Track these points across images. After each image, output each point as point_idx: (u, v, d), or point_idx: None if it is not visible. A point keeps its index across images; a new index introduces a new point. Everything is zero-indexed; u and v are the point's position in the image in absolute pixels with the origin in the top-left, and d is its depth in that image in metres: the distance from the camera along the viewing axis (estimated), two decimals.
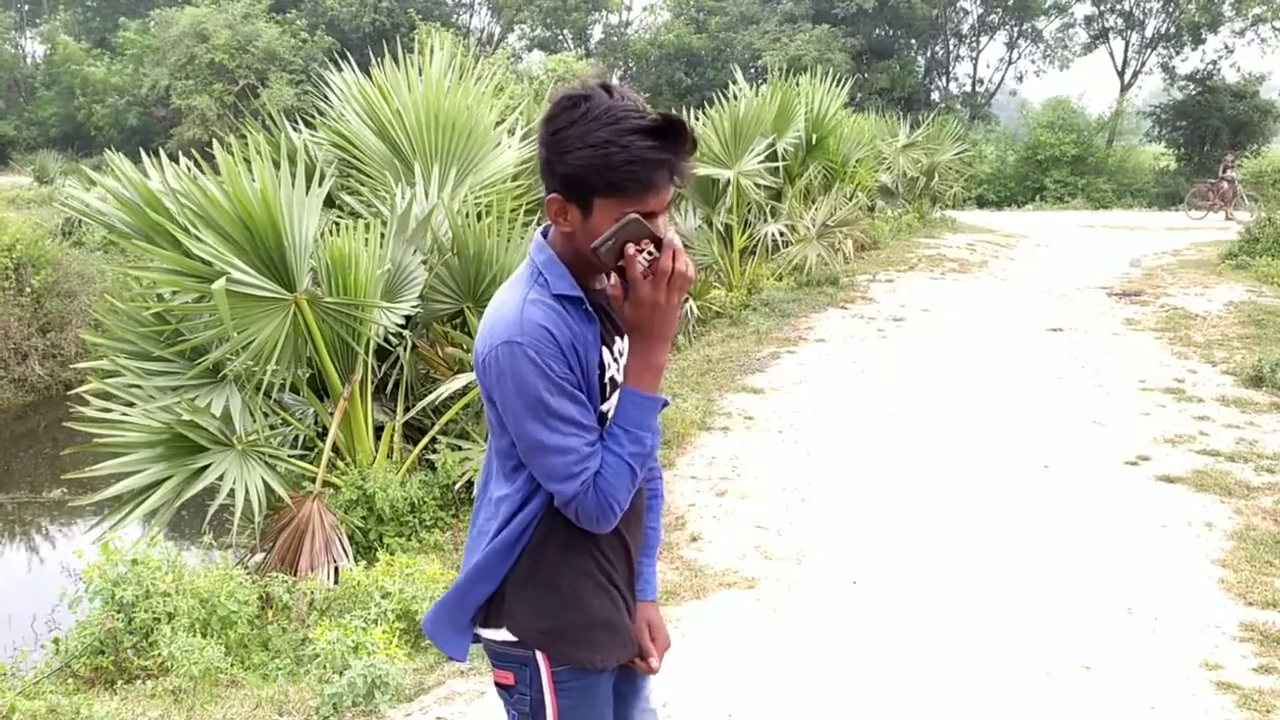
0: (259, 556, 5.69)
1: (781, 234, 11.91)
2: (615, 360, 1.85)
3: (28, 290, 13.99)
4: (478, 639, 1.91)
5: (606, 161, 1.65)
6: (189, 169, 5.80)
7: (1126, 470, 5.99)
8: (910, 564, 4.79)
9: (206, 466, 5.31)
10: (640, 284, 1.72)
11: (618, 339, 1.86)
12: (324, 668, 3.74)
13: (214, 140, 6.44)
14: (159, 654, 3.80)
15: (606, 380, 1.83)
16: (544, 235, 1.84)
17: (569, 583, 1.85)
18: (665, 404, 1.83)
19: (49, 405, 12.95)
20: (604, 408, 1.83)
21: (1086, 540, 5.01)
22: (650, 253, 1.72)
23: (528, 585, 1.84)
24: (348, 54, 8.83)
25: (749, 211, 11.95)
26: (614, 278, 1.83)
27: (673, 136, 1.67)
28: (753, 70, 35.22)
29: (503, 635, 1.86)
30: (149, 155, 5.99)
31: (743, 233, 11.76)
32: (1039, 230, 20.20)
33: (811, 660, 3.94)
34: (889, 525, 5.25)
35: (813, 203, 12.99)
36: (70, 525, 8.42)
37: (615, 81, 1.94)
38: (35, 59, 47.03)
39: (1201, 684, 3.68)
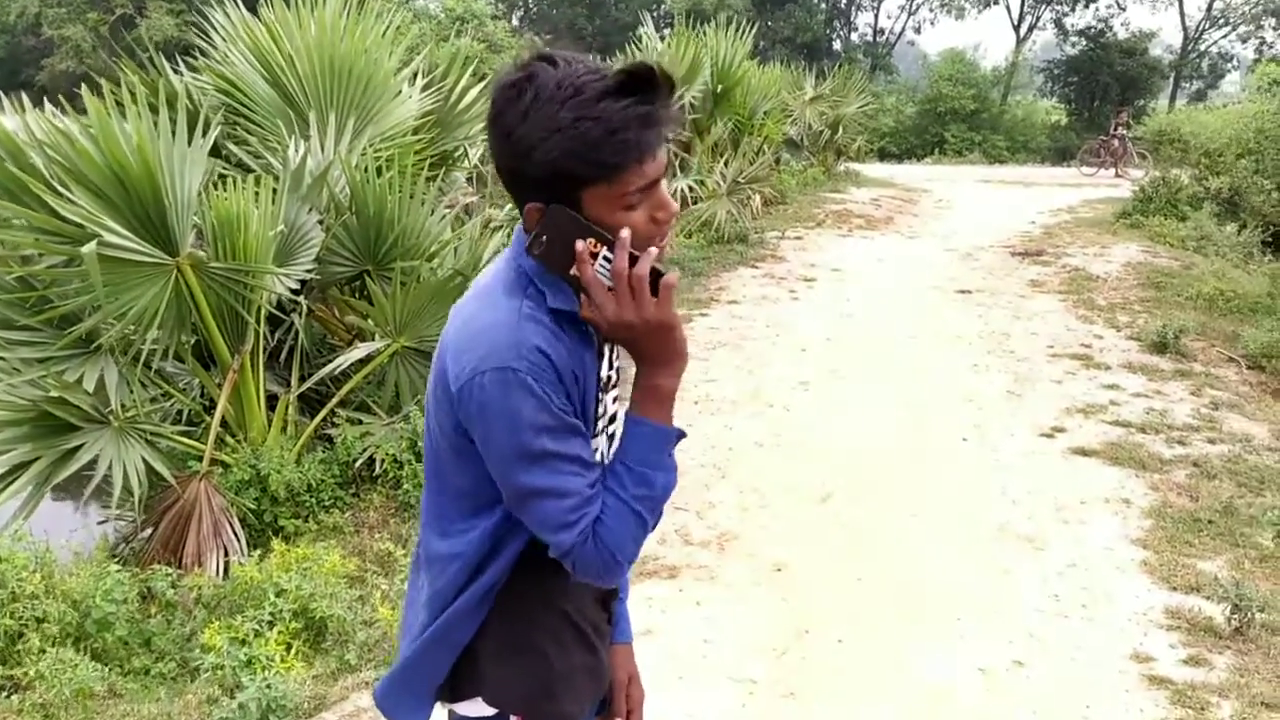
0: (143, 536, 5.28)
1: (691, 189, 11.66)
2: (603, 388, 1.56)
3: None
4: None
5: (584, 141, 1.32)
6: (54, 114, 5.26)
7: (1042, 443, 5.96)
8: (832, 548, 4.66)
9: (79, 447, 4.86)
10: (602, 297, 1.38)
11: (603, 365, 1.56)
12: (213, 685, 3.41)
13: (88, 75, 5.88)
14: (27, 669, 3.42)
15: (603, 410, 1.56)
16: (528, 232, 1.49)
17: (547, 637, 1.59)
18: (680, 436, 1.50)
19: None
20: (594, 444, 1.54)
21: (1008, 520, 4.94)
22: (605, 256, 1.38)
23: (503, 651, 1.57)
24: None
25: None
26: (584, 297, 1.44)
27: (649, 85, 1.34)
28: (655, 14, 34.71)
29: (478, 709, 1.60)
30: (14, 92, 5.41)
31: None
32: (940, 185, 20.36)
33: (737, 658, 3.77)
34: (808, 505, 5.11)
35: (721, 157, 12.76)
36: None
37: (546, 48, 1.51)
38: None
39: (1134, 679, 3.62)
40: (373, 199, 5.94)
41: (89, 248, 4.57)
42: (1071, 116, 36.62)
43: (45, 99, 5.57)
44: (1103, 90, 35.62)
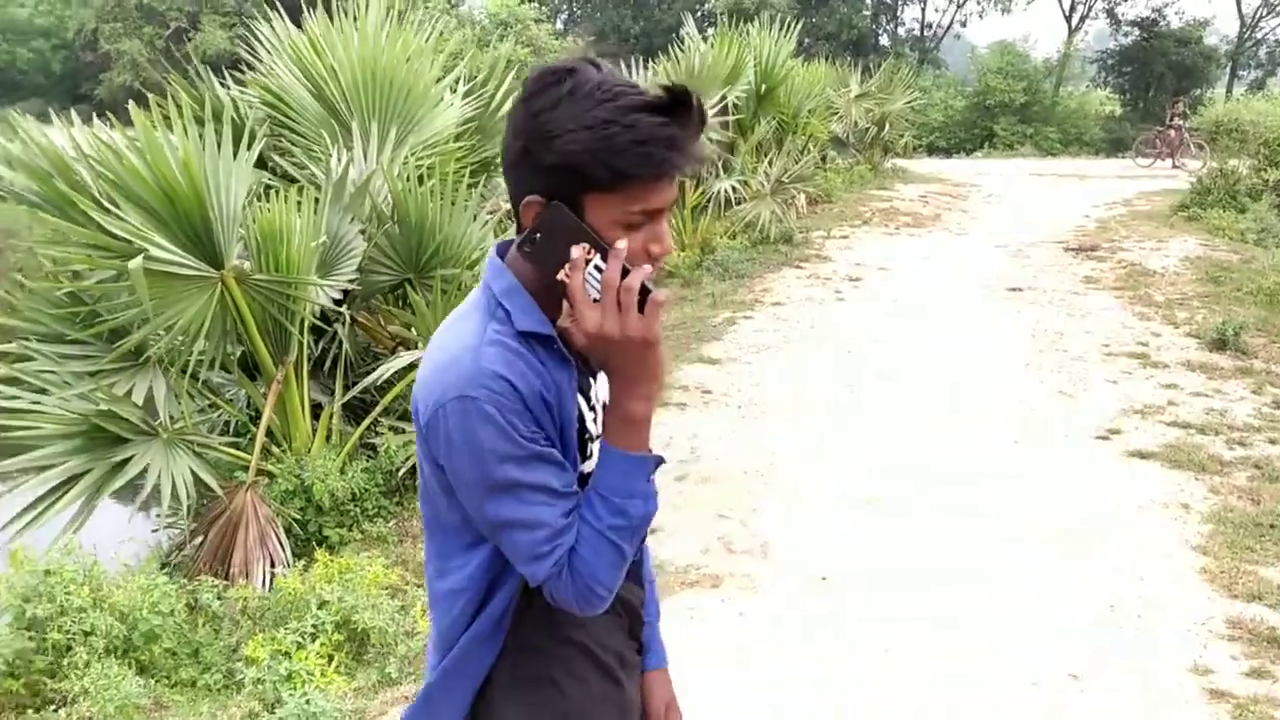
0: (194, 545, 5.33)
1: (734, 190, 11.58)
2: (593, 409, 1.51)
3: None
4: None
5: (610, 144, 1.29)
6: (101, 130, 5.33)
7: (1097, 446, 5.82)
8: (880, 556, 4.57)
9: (129, 459, 4.92)
10: (584, 307, 1.33)
11: (594, 383, 1.52)
12: (253, 699, 3.43)
13: (143, 89, 5.98)
14: (73, 684, 3.46)
15: (586, 436, 1.50)
16: (501, 255, 1.47)
17: (559, 669, 1.54)
18: (659, 463, 1.44)
19: None
20: (585, 468, 1.49)
21: (1063, 527, 4.83)
22: (597, 266, 1.33)
23: (515, 684, 1.53)
24: None
25: (700, 166, 11.58)
26: (565, 306, 1.40)
27: (684, 112, 1.32)
28: (699, 13, 34.61)
29: None
30: (74, 106, 5.50)
31: (695, 189, 11.41)
32: (990, 179, 20.07)
33: (782, 673, 3.71)
34: (854, 511, 5.03)
35: (765, 157, 12.67)
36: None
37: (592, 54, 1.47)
38: None
39: (1194, 692, 3.50)
40: (414, 207, 5.96)
41: (135, 262, 4.62)
42: (1126, 107, 35.93)
43: (103, 113, 5.66)
44: (1158, 80, 34.93)
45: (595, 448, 1.50)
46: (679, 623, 4.01)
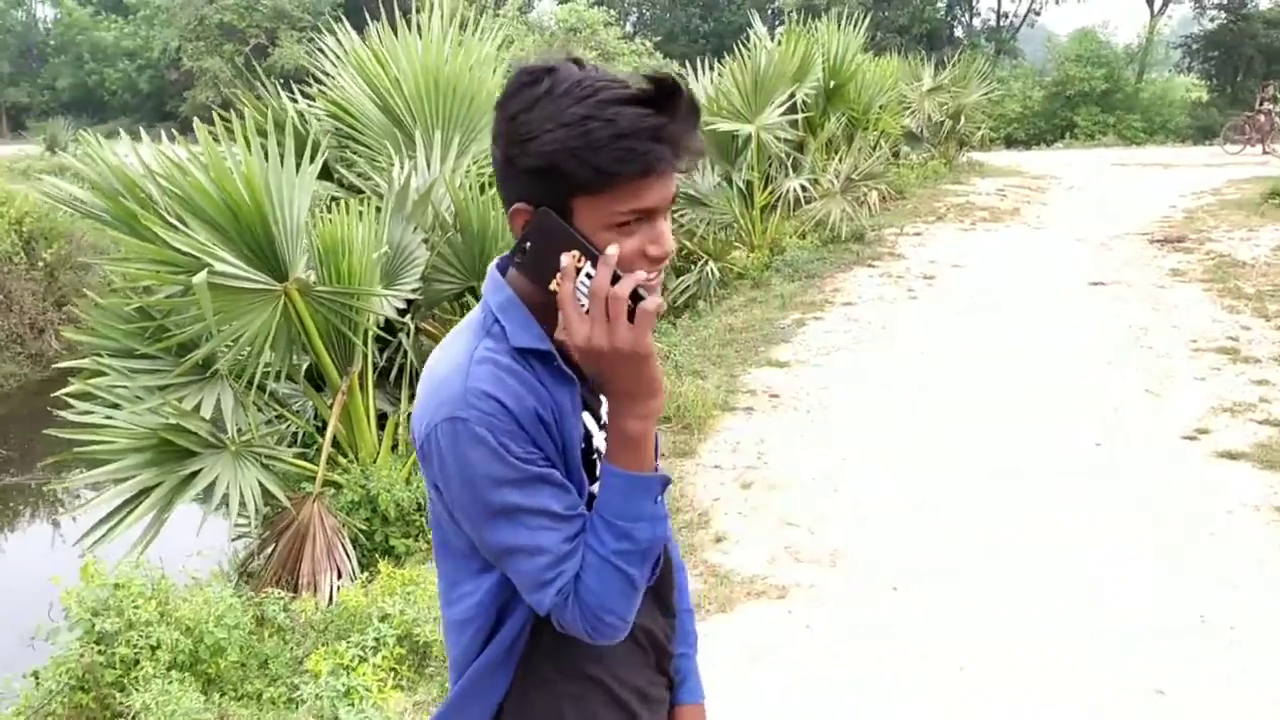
0: (264, 555, 5.38)
1: (804, 189, 11.41)
2: (604, 428, 1.41)
3: (40, 264, 13.78)
4: None
5: (588, 140, 1.21)
6: (168, 147, 5.40)
7: (1185, 446, 5.57)
8: (954, 565, 4.41)
9: (198, 471, 4.98)
10: (574, 318, 1.24)
11: (605, 400, 1.42)
12: (313, 715, 3.41)
13: (225, 105, 6.10)
14: (136, 699, 3.48)
15: (595, 455, 1.41)
16: (501, 270, 1.40)
17: (573, 705, 1.46)
18: (665, 483, 1.34)
19: (67, 380, 12.78)
20: (596, 490, 1.40)
21: (1149, 531, 4.61)
22: (588, 273, 1.25)
23: (524, 716, 1.46)
24: (361, 8, 8.37)
25: (770, 166, 11.45)
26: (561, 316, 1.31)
27: (669, 101, 1.23)
28: (769, 11, 34.34)
29: None
30: (160, 124, 5.61)
31: (764, 189, 11.27)
32: (1071, 171, 19.56)
33: (851, 689, 3.58)
34: (928, 518, 4.87)
35: (835, 154, 12.47)
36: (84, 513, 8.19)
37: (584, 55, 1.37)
38: (46, 23, 46.53)
39: None
40: (476, 216, 5.94)
41: (199, 277, 4.67)
42: (1213, 93, 34.76)
43: (186, 130, 5.77)
44: (1246, 64, 33.71)
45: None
46: (743, 636, 3.91)
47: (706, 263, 10.03)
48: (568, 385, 1.35)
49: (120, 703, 3.77)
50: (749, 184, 11.02)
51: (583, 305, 1.25)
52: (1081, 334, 7.85)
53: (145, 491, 4.90)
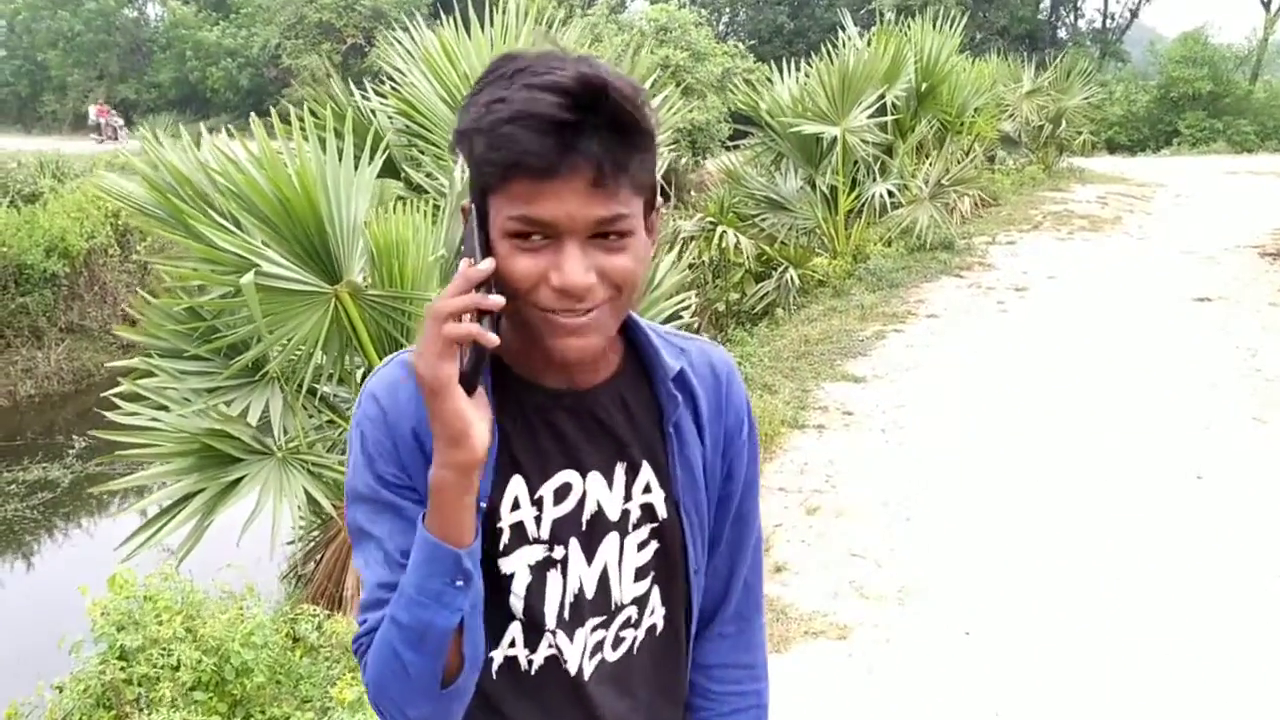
0: (307, 571, 5.24)
1: (891, 194, 10.97)
2: (534, 501, 1.18)
3: (134, 256, 14.10)
4: None
5: (478, 122, 1.02)
6: (225, 143, 5.29)
7: None
8: (1036, 608, 4.04)
9: (242, 478, 4.83)
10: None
11: (566, 471, 1.19)
12: None
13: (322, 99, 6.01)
14: None
15: (504, 524, 1.17)
16: None
17: None
18: (459, 567, 1.08)
19: (117, 381, 13.06)
20: (503, 566, 1.18)
21: (1255, 578, 4.18)
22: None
23: None
24: (453, 6, 8.24)
25: (855, 170, 11.04)
26: None
27: (588, 99, 1.00)
28: (863, 13, 33.68)
29: None
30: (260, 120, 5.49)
31: (849, 194, 10.86)
32: (1177, 179, 18.67)
33: None
34: (1009, 555, 4.49)
35: (926, 158, 12.00)
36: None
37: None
38: (154, 22, 47.92)
39: None
40: None
41: (247, 278, 4.51)
42: None
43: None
44: None
45: (532, 550, 1.20)
46: (797, 680, 3.60)
47: (786, 269, 9.70)
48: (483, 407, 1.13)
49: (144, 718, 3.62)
50: (833, 188, 10.62)
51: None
52: (1184, 354, 7.33)
53: (188, 498, 4.77)
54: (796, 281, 9.58)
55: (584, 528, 1.20)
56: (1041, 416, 6.13)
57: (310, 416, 5.36)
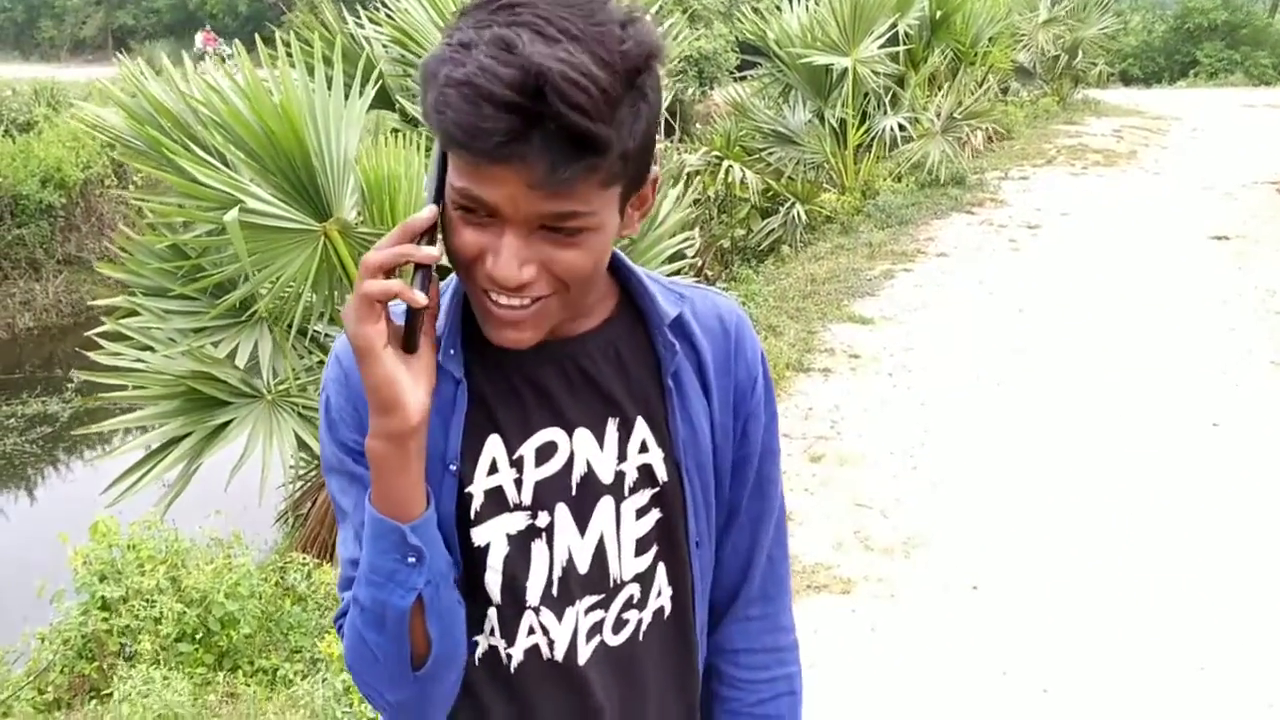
0: (295, 517, 5.14)
1: (902, 127, 10.67)
2: (514, 462, 1.06)
3: (132, 188, 13.90)
4: None
5: (435, 70, 0.87)
6: (209, 72, 5.07)
7: None
8: (1046, 561, 3.91)
9: (229, 422, 4.70)
10: None
11: (550, 429, 1.06)
12: (304, 711, 3.10)
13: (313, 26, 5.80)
14: (118, 686, 3.20)
15: (476, 489, 1.05)
16: None
17: None
18: (407, 544, 0.97)
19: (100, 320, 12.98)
20: (476, 537, 1.06)
21: (1272, 528, 4.05)
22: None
23: None
24: None
25: (866, 103, 10.72)
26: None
27: (532, 93, 0.83)
28: None
29: None
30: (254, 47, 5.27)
31: (859, 128, 10.57)
32: (1193, 112, 18.25)
33: (918, 706, 3.15)
34: (1018, 505, 4.36)
35: (938, 90, 11.68)
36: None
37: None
38: None
39: None
40: None
41: (230, 215, 4.34)
42: None
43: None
44: None
45: (511, 518, 1.07)
46: (798, 637, 3.48)
47: (793, 205, 9.46)
48: (444, 381, 1.03)
49: (122, 674, 3.53)
50: (842, 122, 10.33)
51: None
52: (1200, 295, 7.14)
53: (174, 442, 4.64)
54: (803, 218, 9.35)
55: (573, 492, 1.07)
56: (1053, 360, 5.97)
57: (300, 357, 5.21)
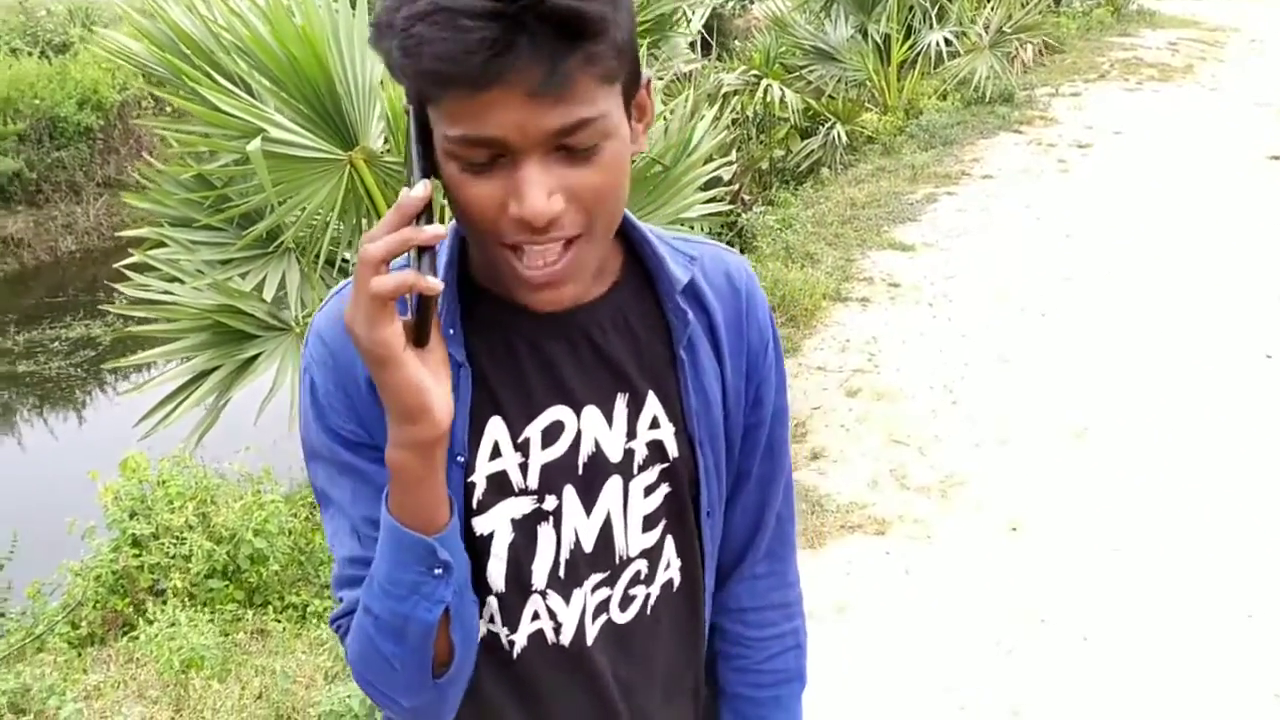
0: None
1: (948, 42, 10.28)
2: (519, 446, 0.99)
3: (168, 109, 13.85)
4: None
5: (391, 17, 0.79)
6: None
7: None
8: (1089, 504, 3.81)
9: (258, 355, 4.66)
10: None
11: (557, 407, 0.99)
12: (332, 658, 3.10)
13: None
14: (144, 628, 3.22)
15: (479, 477, 0.98)
16: None
17: None
18: (434, 557, 0.90)
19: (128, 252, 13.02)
20: (478, 526, 0.99)
21: None
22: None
23: None
24: None
25: (911, 17, 10.33)
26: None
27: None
28: None
29: None
30: None
31: (903, 43, 10.20)
32: (1253, 23, 17.46)
33: (950, 655, 3.08)
34: (1060, 441, 4.24)
35: (986, 2, 11.23)
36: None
37: None
38: None
39: None
40: None
41: (254, 144, 4.24)
42: None
43: None
44: None
45: (517, 503, 1.00)
46: (831, 579, 3.43)
47: (834, 125, 9.18)
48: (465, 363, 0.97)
49: (154, 612, 3.55)
50: (886, 37, 9.97)
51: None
52: (1258, 218, 6.87)
53: (203, 375, 4.62)
54: (844, 139, 9.07)
55: (580, 472, 1.00)
56: (1101, 288, 5.78)
57: (329, 288, 5.15)
